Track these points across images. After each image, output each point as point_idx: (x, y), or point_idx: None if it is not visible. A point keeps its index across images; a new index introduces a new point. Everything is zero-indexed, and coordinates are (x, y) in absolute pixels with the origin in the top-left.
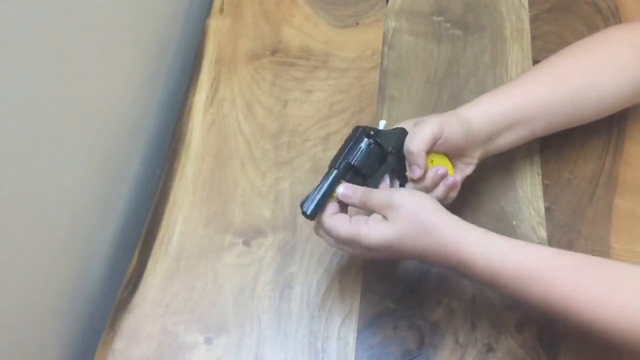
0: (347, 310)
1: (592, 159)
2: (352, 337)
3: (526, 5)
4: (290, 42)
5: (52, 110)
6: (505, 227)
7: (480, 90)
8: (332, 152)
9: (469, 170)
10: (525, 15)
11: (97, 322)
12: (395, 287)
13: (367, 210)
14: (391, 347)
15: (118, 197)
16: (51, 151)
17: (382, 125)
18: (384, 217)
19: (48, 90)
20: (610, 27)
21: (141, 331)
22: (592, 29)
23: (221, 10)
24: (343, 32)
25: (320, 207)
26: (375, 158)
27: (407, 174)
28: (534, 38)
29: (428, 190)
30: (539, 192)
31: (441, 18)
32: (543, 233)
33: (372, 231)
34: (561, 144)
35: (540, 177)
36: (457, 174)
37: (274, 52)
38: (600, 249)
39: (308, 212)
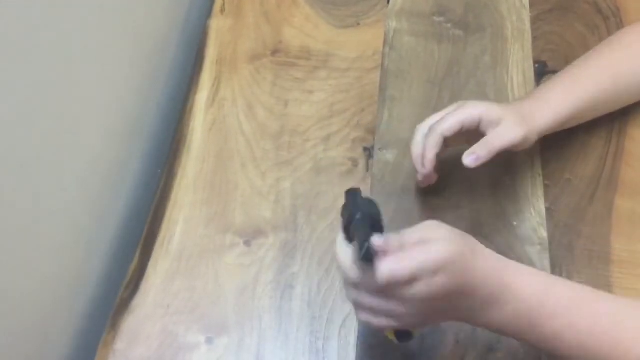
0: (348, 310)
1: (592, 160)
2: (353, 337)
3: (527, 5)
4: (291, 42)
5: (52, 110)
6: (505, 227)
7: (481, 90)
8: (333, 153)
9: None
10: (526, 16)
11: (97, 322)
12: None
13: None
14: (392, 348)
15: (118, 197)
16: (51, 151)
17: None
18: (429, 241)
19: (48, 90)
20: None
21: (142, 331)
22: (593, 29)
23: (222, 11)
24: (344, 33)
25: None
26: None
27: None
28: (534, 38)
29: None
30: (540, 192)
31: (442, 18)
32: (543, 233)
33: (434, 248)
34: (562, 145)
35: (541, 177)
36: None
37: (274, 52)
38: (600, 249)
39: (370, 257)
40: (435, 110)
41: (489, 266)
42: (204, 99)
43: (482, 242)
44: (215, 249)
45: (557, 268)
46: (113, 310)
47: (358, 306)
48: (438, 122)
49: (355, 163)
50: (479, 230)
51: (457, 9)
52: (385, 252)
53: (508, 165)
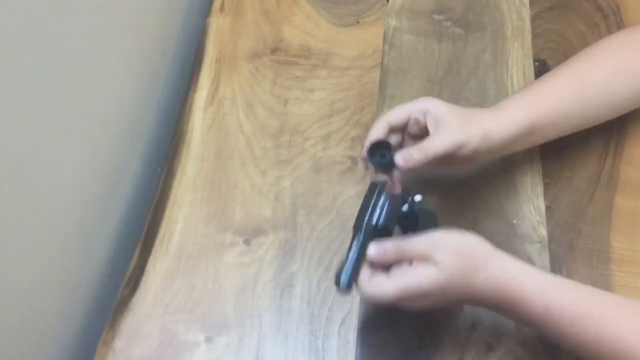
0: (347, 309)
1: (592, 158)
2: (352, 336)
3: (527, 3)
4: (291, 40)
5: (51, 109)
6: (505, 225)
7: (481, 89)
8: (333, 151)
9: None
10: (526, 14)
11: (97, 322)
12: None
13: (405, 260)
14: (391, 346)
15: (118, 197)
16: (51, 151)
17: (418, 198)
18: (427, 260)
19: (48, 90)
20: (625, 29)
21: (141, 330)
22: (593, 27)
23: (222, 9)
24: (344, 31)
25: (355, 276)
26: (396, 212)
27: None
28: (534, 36)
29: None
30: (540, 190)
31: (442, 17)
32: (543, 232)
33: (422, 277)
34: (562, 143)
35: (541, 175)
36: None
37: (274, 51)
38: (600, 248)
39: (345, 285)
40: None
41: (491, 282)
42: (203, 97)
43: None
44: (215, 248)
45: (556, 266)
46: (113, 308)
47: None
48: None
49: (354, 162)
50: (479, 228)
51: (457, 7)
52: (381, 262)
53: (508, 163)
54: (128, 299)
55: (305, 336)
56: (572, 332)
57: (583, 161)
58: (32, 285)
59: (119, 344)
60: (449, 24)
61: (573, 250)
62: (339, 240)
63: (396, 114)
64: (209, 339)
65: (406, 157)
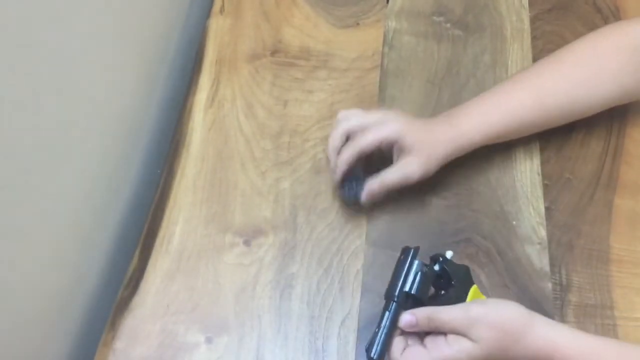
0: (347, 310)
1: (592, 159)
2: (352, 337)
3: (526, 5)
4: (291, 42)
5: (52, 110)
6: (505, 227)
7: (481, 90)
8: None
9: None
10: (526, 15)
11: (97, 322)
12: None
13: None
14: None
15: (118, 197)
16: (51, 152)
17: (449, 255)
18: (464, 335)
19: (48, 91)
20: (603, 27)
21: (141, 331)
22: (592, 28)
23: (221, 11)
24: (343, 32)
25: (388, 346)
26: (429, 280)
27: None
28: (534, 38)
29: None
30: (539, 191)
31: (441, 18)
32: (543, 233)
33: (459, 352)
34: (561, 144)
35: (541, 176)
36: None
37: (274, 52)
38: (600, 248)
39: (377, 356)
40: (435, 110)
41: (533, 352)
42: (203, 99)
43: (481, 242)
44: (215, 249)
45: (556, 267)
46: (113, 309)
47: None
48: (359, 136)
49: None
50: (479, 229)
51: (456, 8)
52: (414, 329)
53: (507, 164)
54: (128, 299)
55: (305, 337)
56: None
57: (582, 162)
58: (32, 286)
59: (119, 344)
60: (448, 25)
61: (572, 251)
62: (338, 241)
63: (368, 143)
64: (209, 340)
65: (368, 192)
